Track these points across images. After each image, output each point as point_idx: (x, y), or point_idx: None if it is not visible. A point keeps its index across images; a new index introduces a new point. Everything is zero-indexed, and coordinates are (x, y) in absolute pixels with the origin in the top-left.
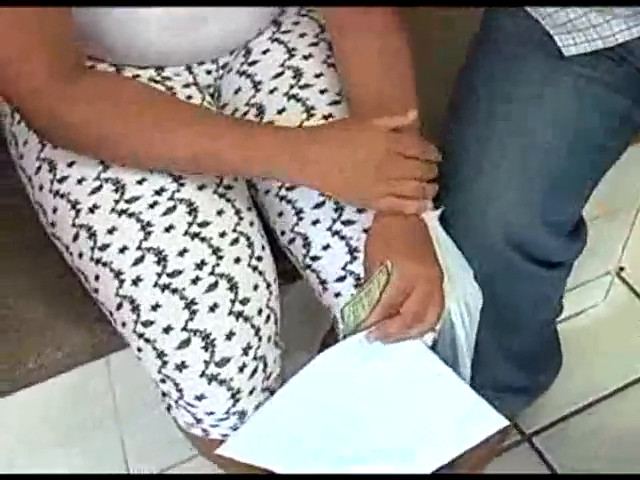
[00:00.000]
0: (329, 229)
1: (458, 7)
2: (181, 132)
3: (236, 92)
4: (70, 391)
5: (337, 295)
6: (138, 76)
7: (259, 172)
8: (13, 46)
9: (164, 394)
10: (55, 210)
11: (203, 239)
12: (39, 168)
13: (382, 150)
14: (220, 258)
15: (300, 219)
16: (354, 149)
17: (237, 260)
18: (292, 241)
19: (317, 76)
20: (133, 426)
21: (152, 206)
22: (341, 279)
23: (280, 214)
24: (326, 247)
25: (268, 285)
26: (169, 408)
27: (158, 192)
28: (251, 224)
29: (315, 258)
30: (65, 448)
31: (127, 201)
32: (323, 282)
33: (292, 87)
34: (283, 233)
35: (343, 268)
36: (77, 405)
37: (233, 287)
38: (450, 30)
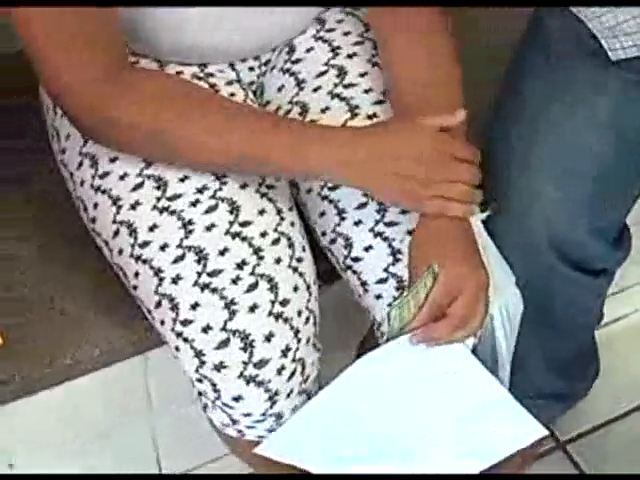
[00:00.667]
0: (371, 230)
1: (504, 7)
2: (231, 132)
3: (279, 90)
4: (106, 388)
5: (378, 297)
6: (181, 72)
7: (306, 173)
8: (58, 45)
9: (200, 394)
10: (96, 206)
11: (244, 239)
12: (81, 163)
13: (431, 150)
14: (261, 258)
15: (342, 219)
16: (402, 149)
17: (278, 261)
18: (333, 241)
19: (361, 75)
20: (166, 424)
21: (194, 204)
22: (383, 281)
23: (322, 214)
24: (368, 248)
25: (308, 287)
26: (205, 408)
27: (200, 190)
28: (292, 224)
29: (356, 259)
30: (98, 444)
31: (169, 199)
32: (364, 284)
33: (336, 86)
34: (324, 233)
35: (385, 270)
36: (112, 402)
37: (273, 288)
38: (495, 31)
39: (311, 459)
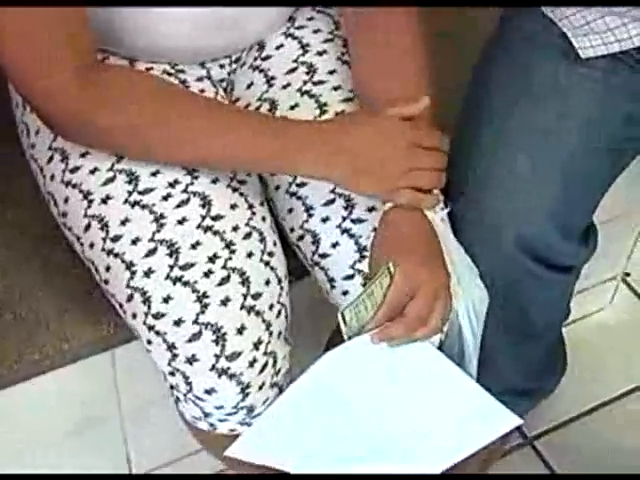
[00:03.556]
0: (338, 227)
1: (474, 7)
2: (212, 134)
3: (249, 87)
4: (75, 384)
5: (345, 293)
6: (151, 69)
7: (278, 167)
8: (30, 47)
9: (172, 387)
10: (67, 200)
11: (216, 232)
12: (51, 158)
13: (398, 140)
14: (232, 252)
15: (310, 216)
16: (371, 140)
17: (249, 254)
18: (301, 238)
19: (330, 72)
20: (136, 420)
21: (165, 198)
22: (349, 277)
23: (290, 210)
24: (335, 245)
25: (279, 281)
26: (177, 402)
27: (172, 184)
28: (263, 219)
29: (324, 255)
30: (66, 441)
31: (140, 192)
32: (331, 280)
33: (305, 83)
34: (292, 230)
35: (352, 266)
36: (81, 398)
37: (245, 281)
38: (467, 30)
39: (281, 459)
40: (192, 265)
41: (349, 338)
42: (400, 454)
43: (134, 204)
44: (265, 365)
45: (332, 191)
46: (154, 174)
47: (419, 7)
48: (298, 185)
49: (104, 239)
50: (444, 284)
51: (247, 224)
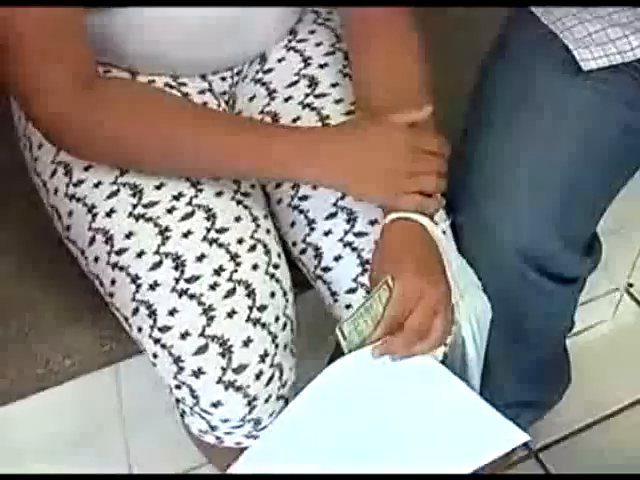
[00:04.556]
0: (341, 240)
1: (475, 7)
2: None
3: (251, 100)
4: (78, 398)
5: (347, 307)
6: (153, 82)
7: (281, 174)
8: (31, 66)
9: (178, 401)
10: (71, 214)
11: (221, 245)
12: (54, 172)
13: (403, 145)
14: (238, 264)
15: (312, 229)
16: (376, 144)
17: (255, 267)
18: (303, 252)
19: (332, 85)
20: (139, 435)
21: (170, 211)
22: (352, 291)
23: (292, 224)
24: (337, 258)
25: (284, 293)
26: (183, 415)
27: (176, 197)
28: (268, 232)
29: (326, 269)
30: (71, 456)
31: (145, 206)
32: (334, 294)
33: (307, 96)
34: (295, 244)
35: (354, 280)
36: (84, 413)
37: (251, 294)
38: (470, 32)
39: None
40: (198, 278)
41: (349, 352)
42: (402, 468)
43: (138, 217)
44: (271, 377)
45: (334, 204)
46: (158, 187)
47: (419, 8)
48: (300, 198)
49: (109, 252)
50: (445, 297)
51: (252, 236)
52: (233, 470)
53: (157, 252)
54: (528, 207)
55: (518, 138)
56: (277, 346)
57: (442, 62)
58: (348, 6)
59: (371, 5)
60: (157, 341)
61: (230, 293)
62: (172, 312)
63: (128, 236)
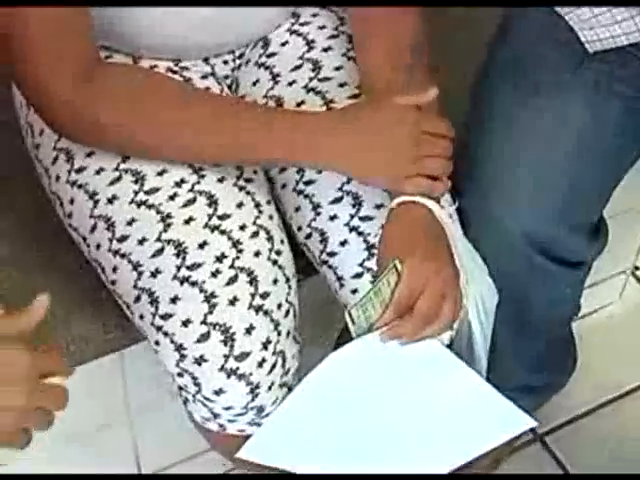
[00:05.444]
0: (347, 225)
1: (475, 7)
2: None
3: (254, 84)
4: (83, 385)
5: (354, 292)
6: (156, 66)
7: (287, 159)
8: (32, 61)
9: (181, 388)
10: (72, 201)
11: (223, 232)
12: (56, 158)
13: (409, 129)
14: (240, 251)
15: (317, 214)
16: (382, 126)
17: (257, 254)
18: (309, 236)
19: (336, 69)
20: (144, 421)
21: (172, 198)
22: (358, 276)
23: (297, 209)
24: (343, 243)
25: (287, 279)
26: (185, 402)
27: (178, 184)
28: (270, 218)
29: (332, 254)
30: (76, 442)
31: (147, 192)
32: (340, 278)
33: (311, 80)
34: (300, 228)
35: (360, 265)
36: (89, 400)
37: (253, 281)
38: (470, 32)
39: (291, 460)
40: (199, 265)
41: (357, 337)
42: (409, 453)
43: (140, 204)
44: (274, 365)
45: (340, 189)
46: (160, 173)
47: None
48: (305, 183)
49: (110, 240)
50: (453, 281)
51: (254, 223)
52: (240, 455)
53: (159, 239)
54: (533, 191)
55: (523, 125)
56: (280, 333)
57: (442, 62)
58: (348, 6)
59: (371, 5)
60: (159, 329)
61: (232, 280)
62: (174, 300)
63: (130, 223)
